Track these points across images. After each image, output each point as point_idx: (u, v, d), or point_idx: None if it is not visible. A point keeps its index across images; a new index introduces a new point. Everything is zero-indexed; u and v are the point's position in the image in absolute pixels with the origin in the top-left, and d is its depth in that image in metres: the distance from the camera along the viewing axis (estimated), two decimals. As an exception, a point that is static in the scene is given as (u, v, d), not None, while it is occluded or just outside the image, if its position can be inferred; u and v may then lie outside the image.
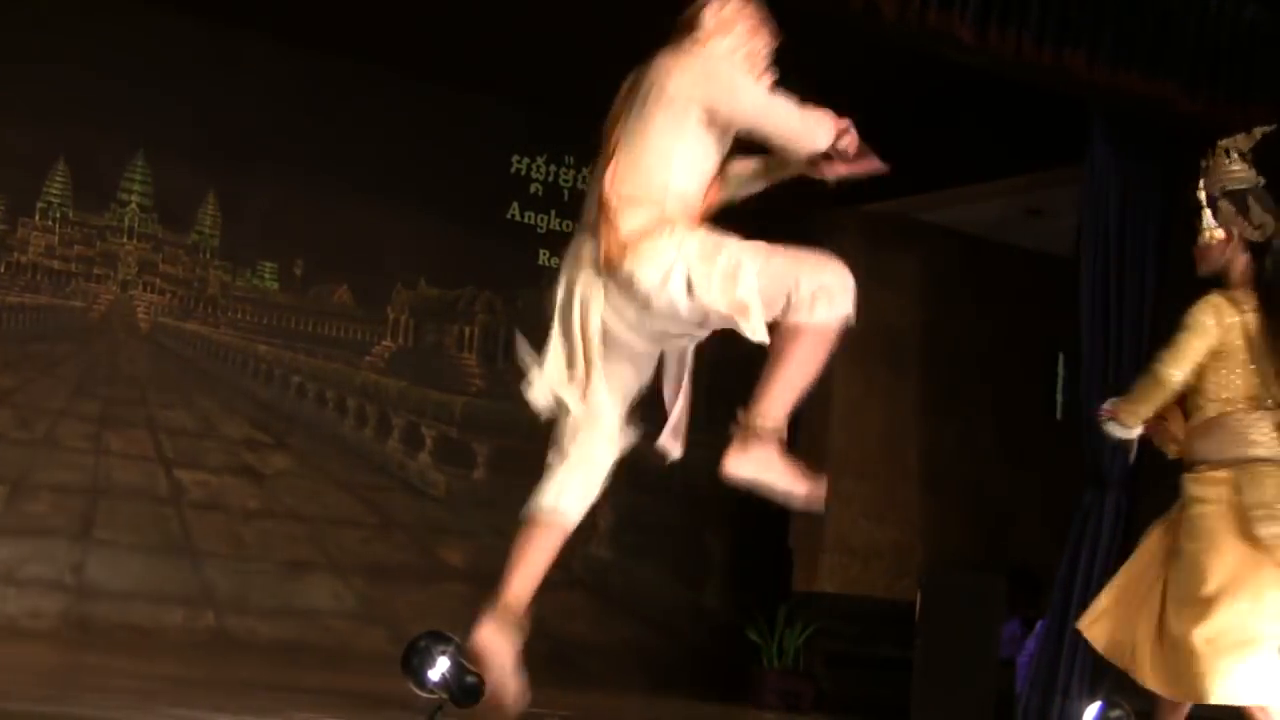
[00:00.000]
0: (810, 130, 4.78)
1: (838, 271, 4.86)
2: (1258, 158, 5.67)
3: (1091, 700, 5.35)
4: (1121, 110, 8.68)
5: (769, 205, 11.86)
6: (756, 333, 4.62)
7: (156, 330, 10.15)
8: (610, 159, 4.93)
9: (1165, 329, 5.78)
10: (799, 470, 4.81)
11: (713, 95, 4.77)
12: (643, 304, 4.77)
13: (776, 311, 4.70)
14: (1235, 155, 5.58)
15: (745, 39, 5.10)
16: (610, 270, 4.71)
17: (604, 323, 4.80)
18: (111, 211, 10.07)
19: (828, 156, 4.91)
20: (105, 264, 10.03)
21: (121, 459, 9.87)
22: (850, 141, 4.88)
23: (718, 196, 5.03)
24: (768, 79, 5.03)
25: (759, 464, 4.97)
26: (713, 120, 4.82)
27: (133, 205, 10.12)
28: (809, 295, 4.74)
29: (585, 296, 4.78)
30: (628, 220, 4.71)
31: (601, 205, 4.77)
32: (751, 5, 5.16)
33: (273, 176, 10.35)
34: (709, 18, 5.09)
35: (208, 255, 10.34)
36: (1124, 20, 8.20)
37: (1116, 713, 5.08)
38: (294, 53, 10.30)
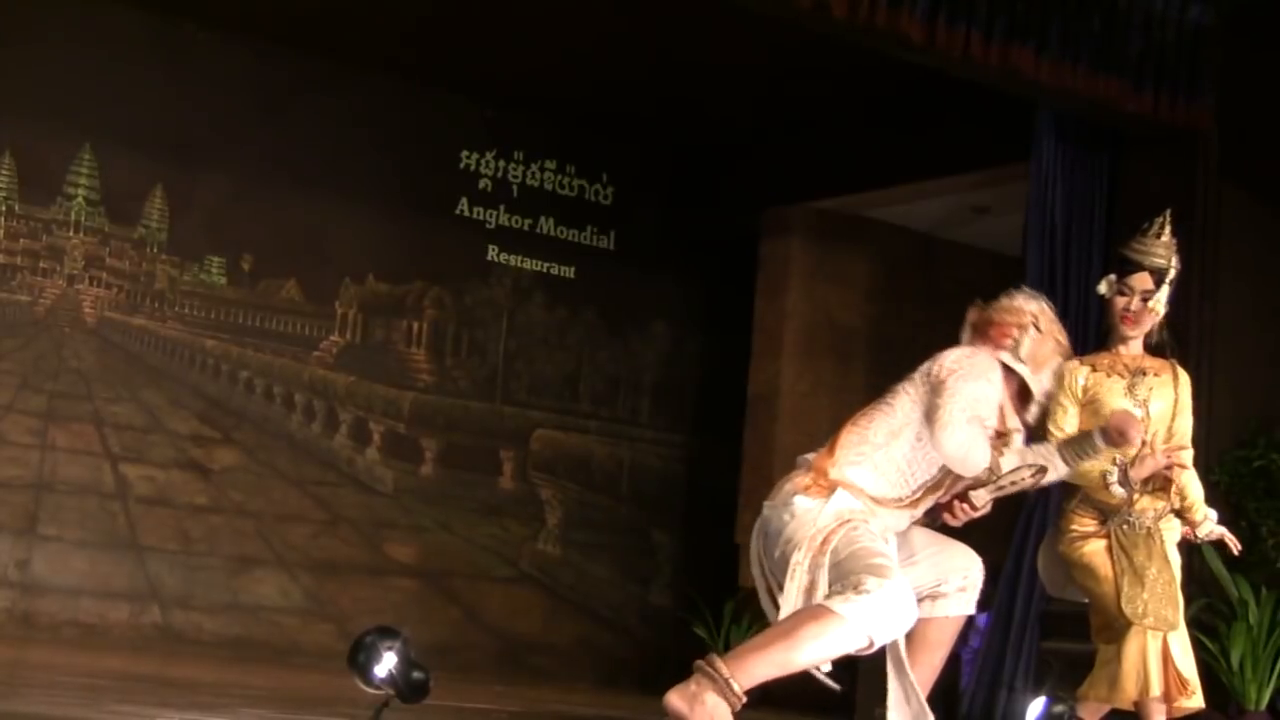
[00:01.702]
0: (964, 464, 4.69)
1: (889, 596, 4.46)
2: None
3: (1036, 694, 5.37)
4: (1068, 108, 8.74)
5: (721, 203, 11.81)
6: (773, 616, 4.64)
7: (103, 325, 10.09)
8: (871, 405, 4.91)
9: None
10: None
11: (927, 421, 4.72)
12: (765, 535, 4.84)
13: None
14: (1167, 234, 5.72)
15: (1053, 355, 4.97)
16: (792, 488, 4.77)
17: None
18: (58, 205, 10.00)
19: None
20: (51, 258, 9.97)
21: (67, 454, 9.81)
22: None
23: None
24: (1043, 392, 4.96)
25: (713, 710, 4.41)
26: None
27: (79, 199, 10.06)
28: (841, 588, 4.50)
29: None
30: (837, 464, 4.75)
31: (832, 441, 4.83)
32: (1059, 323, 5.05)
33: (221, 171, 10.31)
34: (1027, 339, 4.93)
35: (155, 250, 10.29)
36: (1071, 19, 8.25)
37: (1060, 707, 5.11)
38: (243, 47, 10.26)
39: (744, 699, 4.45)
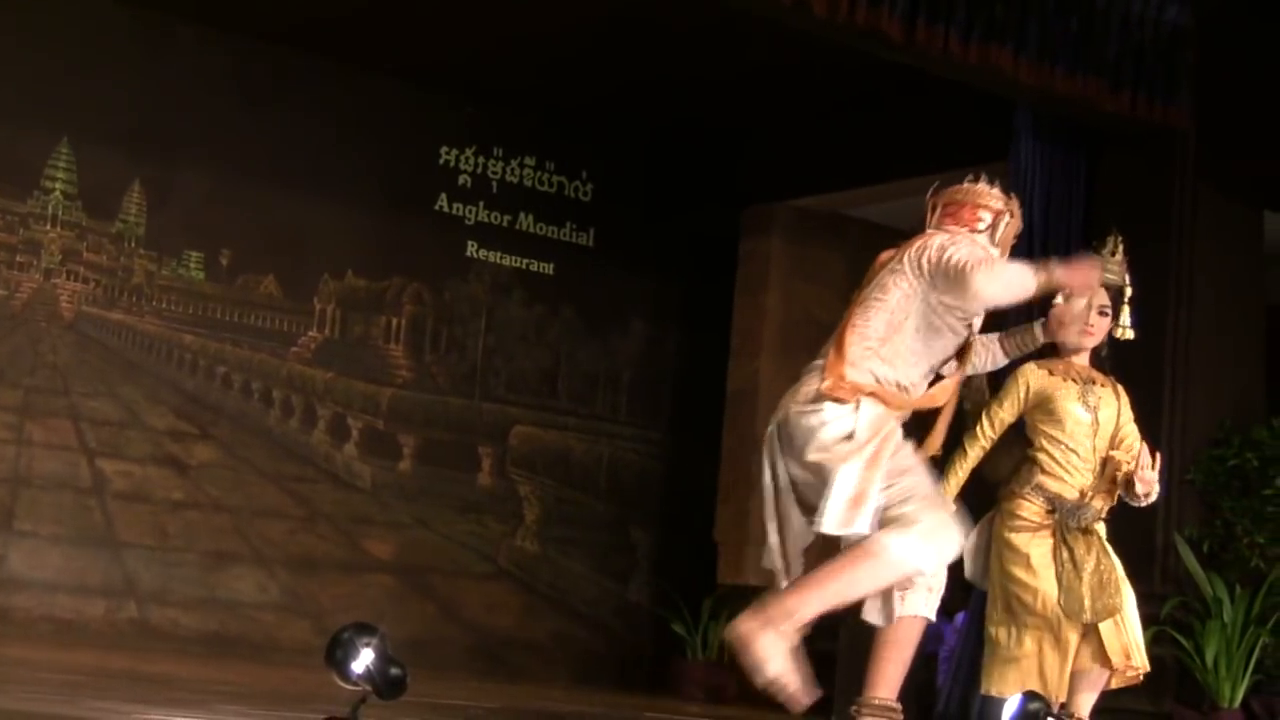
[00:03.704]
0: (1008, 290, 4.86)
1: (940, 527, 4.78)
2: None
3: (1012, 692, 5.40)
4: (1046, 108, 8.77)
5: (701, 201, 11.83)
6: (832, 526, 4.73)
7: (80, 319, 10.07)
8: (859, 304, 5.04)
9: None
10: (802, 677, 4.71)
11: (953, 290, 4.85)
12: (790, 439, 4.88)
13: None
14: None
15: (1014, 238, 5.13)
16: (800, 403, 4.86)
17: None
18: (35, 199, 9.96)
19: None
20: (28, 252, 9.94)
21: (43, 449, 9.79)
22: None
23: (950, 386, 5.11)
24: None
25: (767, 646, 4.67)
26: (949, 310, 4.91)
27: (56, 193, 10.03)
28: (895, 518, 4.72)
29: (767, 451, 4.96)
30: (853, 364, 4.86)
31: (837, 343, 4.93)
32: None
33: (199, 165, 10.28)
34: (1004, 223, 5.11)
35: (133, 244, 10.26)
36: (1049, 19, 8.29)
37: (1036, 705, 5.13)
38: (222, 41, 10.25)
39: (804, 632, 4.72)
